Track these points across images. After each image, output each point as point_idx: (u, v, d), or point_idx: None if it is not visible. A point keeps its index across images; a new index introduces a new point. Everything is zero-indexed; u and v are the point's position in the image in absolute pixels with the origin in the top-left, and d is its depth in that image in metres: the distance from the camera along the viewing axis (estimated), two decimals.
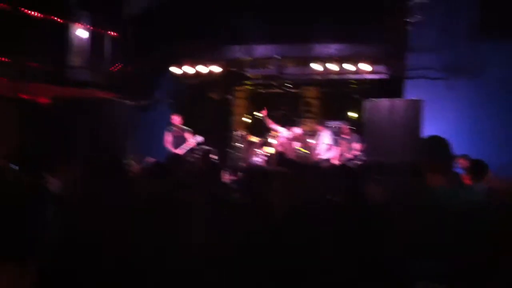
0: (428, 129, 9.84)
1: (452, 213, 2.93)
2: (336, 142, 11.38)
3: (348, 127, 11.47)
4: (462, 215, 2.92)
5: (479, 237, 2.87)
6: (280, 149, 11.30)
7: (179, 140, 11.29)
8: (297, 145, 13.45)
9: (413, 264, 2.89)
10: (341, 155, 11.05)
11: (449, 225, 2.88)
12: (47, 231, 3.40)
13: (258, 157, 12.04)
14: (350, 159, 10.87)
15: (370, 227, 3.40)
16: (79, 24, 10.62)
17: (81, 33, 10.68)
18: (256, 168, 7.51)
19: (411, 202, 3.10)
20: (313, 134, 13.78)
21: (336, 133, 12.02)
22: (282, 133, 11.43)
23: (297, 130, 11.38)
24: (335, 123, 12.96)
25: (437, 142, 3.24)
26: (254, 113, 16.42)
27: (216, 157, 12.11)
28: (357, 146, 11.07)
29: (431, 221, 2.91)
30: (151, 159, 9.96)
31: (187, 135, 11.29)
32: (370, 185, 5.26)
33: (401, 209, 3.15)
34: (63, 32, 10.50)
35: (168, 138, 11.35)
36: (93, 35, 10.88)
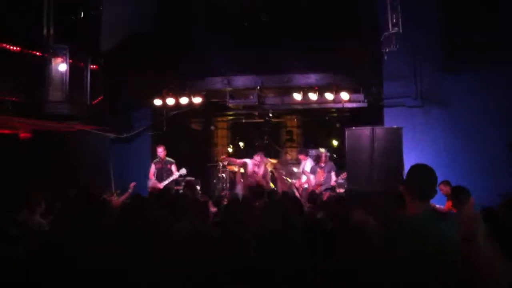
0: (407, 157, 9.93)
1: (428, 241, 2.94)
2: (313, 170, 11.35)
3: (325, 154, 11.42)
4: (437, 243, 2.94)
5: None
6: (250, 179, 11.24)
7: (163, 172, 11.24)
8: (283, 174, 13.45)
9: None
10: (318, 184, 11.02)
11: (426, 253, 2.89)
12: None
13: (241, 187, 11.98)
14: (328, 188, 10.86)
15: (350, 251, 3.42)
16: (58, 58, 10.59)
17: (60, 66, 10.64)
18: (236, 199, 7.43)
19: (392, 229, 3.10)
20: (296, 162, 13.83)
21: (315, 161, 12.01)
22: (248, 164, 11.43)
23: (257, 158, 11.33)
24: (313, 151, 13.00)
25: (422, 170, 3.25)
26: (240, 143, 16.48)
27: (199, 188, 12.12)
28: (332, 174, 11.09)
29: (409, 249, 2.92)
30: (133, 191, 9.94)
31: (171, 167, 11.24)
32: (353, 212, 5.29)
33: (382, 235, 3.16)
34: (42, 66, 10.45)
35: (152, 170, 11.29)
36: (72, 68, 10.83)
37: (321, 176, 11.04)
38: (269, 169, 11.86)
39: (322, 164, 11.20)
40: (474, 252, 3.04)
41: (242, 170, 12.86)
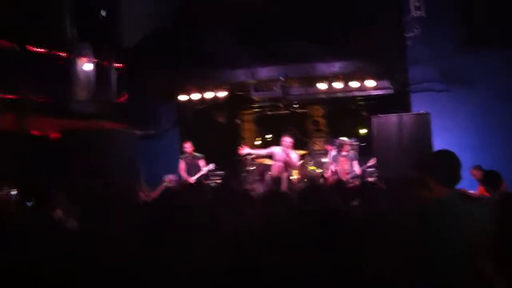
0: (437, 142, 9.78)
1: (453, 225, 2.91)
2: (335, 159, 11.16)
3: (347, 143, 11.22)
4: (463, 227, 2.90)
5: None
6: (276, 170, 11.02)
7: (192, 167, 11.26)
8: (309, 165, 13.33)
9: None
10: (344, 172, 10.87)
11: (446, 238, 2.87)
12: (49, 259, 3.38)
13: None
14: (354, 177, 10.71)
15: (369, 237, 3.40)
16: (83, 57, 10.71)
17: (85, 66, 10.76)
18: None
19: (412, 214, 3.07)
20: (324, 153, 13.71)
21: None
22: (276, 150, 11.11)
23: (287, 139, 10.90)
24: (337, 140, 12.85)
25: (444, 156, 3.20)
26: (266, 135, 16.43)
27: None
28: (355, 162, 10.92)
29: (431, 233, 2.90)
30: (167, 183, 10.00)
31: (199, 162, 11.26)
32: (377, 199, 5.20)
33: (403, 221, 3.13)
34: (67, 66, 10.59)
35: (182, 166, 11.31)
36: (97, 66, 10.94)
37: (345, 164, 10.88)
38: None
39: (344, 153, 11.00)
40: None
41: (267, 161, 12.75)
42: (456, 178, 3.14)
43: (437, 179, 3.10)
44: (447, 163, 3.14)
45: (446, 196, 3.05)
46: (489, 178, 6.44)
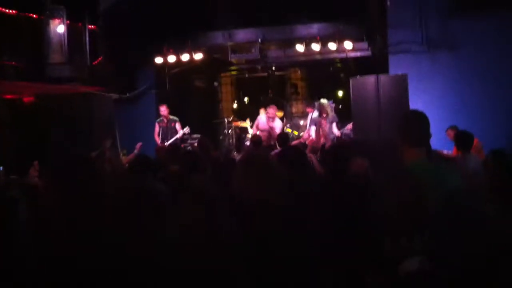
0: (414, 104, 9.80)
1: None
2: (315, 122, 11.23)
3: (328, 106, 11.24)
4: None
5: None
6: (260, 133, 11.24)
7: (168, 131, 11.22)
8: (286, 127, 13.38)
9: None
10: (324, 135, 10.92)
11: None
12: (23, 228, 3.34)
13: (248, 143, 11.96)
14: (335, 138, 10.77)
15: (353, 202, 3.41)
16: (55, 19, 10.40)
17: (58, 28, 10.46)
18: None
19: (390, 177, 3.06)
20: (303, 115, 13.75)
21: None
22: (260, 119, 11.53)
23: (270, 110, 11.38)
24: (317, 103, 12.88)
25: (414, 116, 3.19)
26: (244, 98, 16.37)
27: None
28: (334, 124, 10.98)
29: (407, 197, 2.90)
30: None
31: (175, 125, 11.21)
32: (354, 162, 5.22)
33: (382, 184, 3.13)
34: (39, 29, 10.30)
35: (156, 129, 11.27)
36: (70, 29, 10.65)
37: (325, 127, 10.92)
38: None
39: (324, 115, 11.03)
40: None
41: (244, 124, 12.85)
42: (425, 137, 3.13)
43: (408, 140, 3.09)
44: (415, 124, 3.12)
45: (418, 159, 3.04)
46: (460, 139, 6.52)
